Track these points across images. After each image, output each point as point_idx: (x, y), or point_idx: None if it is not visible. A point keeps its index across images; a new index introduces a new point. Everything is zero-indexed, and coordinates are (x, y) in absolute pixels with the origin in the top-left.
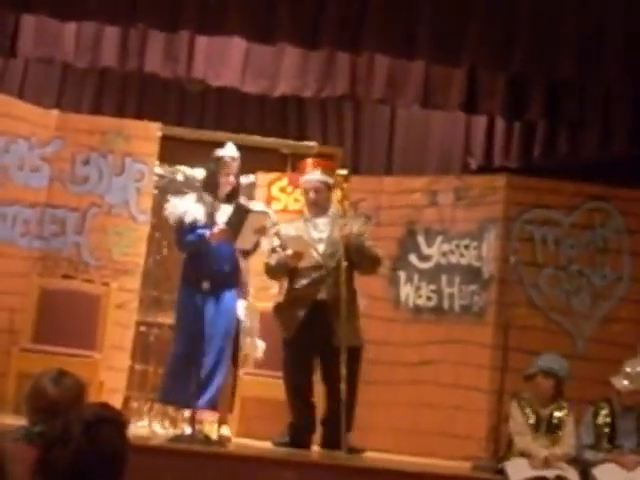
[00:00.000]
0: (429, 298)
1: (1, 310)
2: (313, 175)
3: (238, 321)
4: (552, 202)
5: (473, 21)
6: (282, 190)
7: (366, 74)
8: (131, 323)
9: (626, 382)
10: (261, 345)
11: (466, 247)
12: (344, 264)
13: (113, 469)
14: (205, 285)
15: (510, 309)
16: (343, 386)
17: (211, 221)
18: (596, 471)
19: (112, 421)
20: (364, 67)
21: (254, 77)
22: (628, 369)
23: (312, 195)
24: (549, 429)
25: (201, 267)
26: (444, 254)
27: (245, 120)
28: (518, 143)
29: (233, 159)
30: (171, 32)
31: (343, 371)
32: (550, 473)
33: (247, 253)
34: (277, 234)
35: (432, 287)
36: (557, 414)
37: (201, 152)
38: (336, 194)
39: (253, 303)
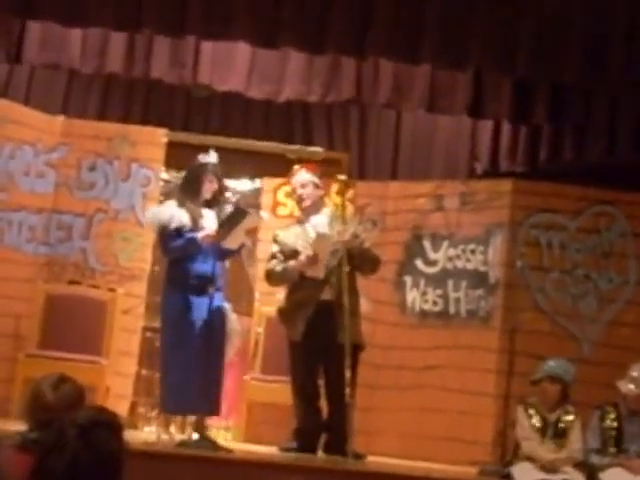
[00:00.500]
0: (435, 303)
1: (7, 316)
2: (298, 174)
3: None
4: (558, 206)
5: (478, 25)
6: (288, 195)
7: (371, 79)
8: (137, 329)
9: (632, 386)
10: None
11: (472, 252)
12: (346, 268)
13: (110, 473)
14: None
15: (516, 313)
16: (348, 390)
17: (195, 226)
18: (603, 475)
19: (108, 425)
20: (369, 72)
21: (259, 82)
22: (634, 373)
23: (300, 190)
24: (556, 434)
25: (190, 270)
26: (450, 259)
27: (250, 125)
28: (524, 147)
29: (216, 166)
30: (177, 38)
31: (348, 374)
32: (557, 477)
33: (231, 253)
34: (276, 240)
35: (438, 292)
36: (564, 418)
37: None
38: (337, 199)
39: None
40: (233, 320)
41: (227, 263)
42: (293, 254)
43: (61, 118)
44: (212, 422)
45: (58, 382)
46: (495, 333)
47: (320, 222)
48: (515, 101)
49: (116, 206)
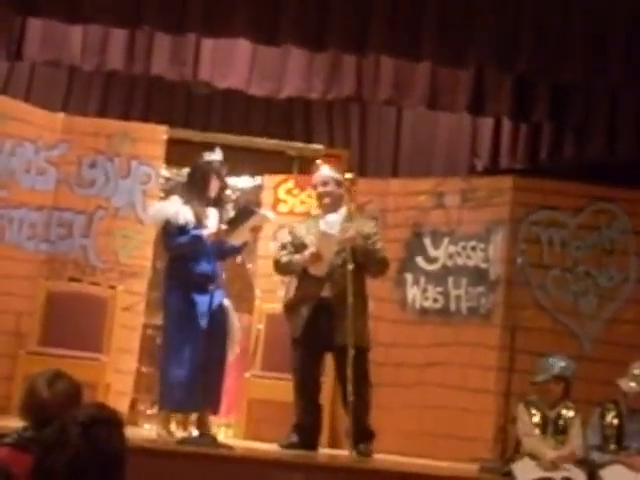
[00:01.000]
0: (436, 300)
1: (8, 313)
2: (321, 171)
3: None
4: (558, 203)
5: (479, 23)
6: (288, 192)
7: (372, 76)
8: (138, 326)
9: (633, 384)
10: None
11: (473, 249)
12: (350, 266)
13: (112, 470)
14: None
15: (517, 311)
16: (350, 387)
17: (199, 224)
18: (603, 472)
19: (109, 421)
20: (370, 69)
21: (260, 79)
22: (635, 371)
23: (321, 188)
24: (556, 430)
25: (191, 266)
26: (451, 256)
27: (251, 122)
28: (524, 145)
29: (222, 164)
30: (177, 35)
31: (349, 372)
32: (557, 475)
33: (234, 251)
34: (290, 231)
35: (439, 289)
36: (564, 415)
37: None
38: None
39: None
40: (234, 318)
41: (226, 261)
42: (302, 247)
43: (62, 115)
44: (212, 419)
45: (53, 378)
46: (496, 330)
47: (334, 220)
48: (516, 98)
49: (116, 203)
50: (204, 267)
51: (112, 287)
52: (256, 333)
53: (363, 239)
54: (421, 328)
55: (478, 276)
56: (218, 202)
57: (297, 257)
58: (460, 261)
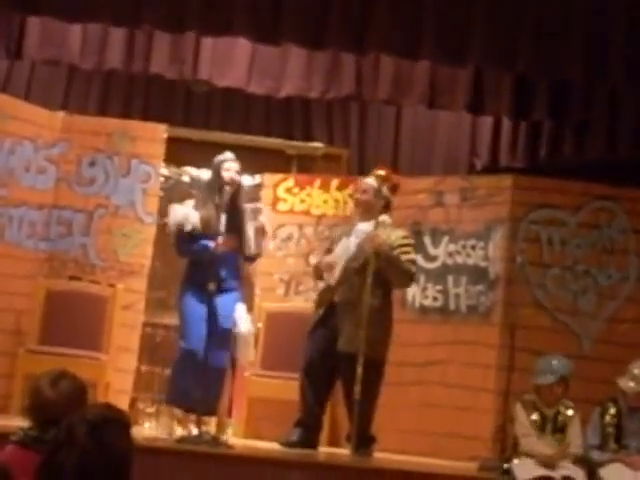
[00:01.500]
0: (435, 298)
1: (7, 311)
2: (365, 179)
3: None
4: (558, 202)
5: (478, 21)
6: (288, 191)
7: (371, 75)
8: (138, 324)
9: (632, 384)
10: (252, 352)
11: (472, 247)
12: (371, 269)
13: (120, 470)
14: (211, 286)
15: (516, 309)
16: (357, 388)
17: (214, 228)
18: (603, 471)
19: (117, 422)
20: (369, 68)
21: (259, 78)
22: (635, 370)
23: (357, 195)
24: (555, 429)
25: (206, 270)
26: (450, 254)
27: (251, 121)
28: (524, 143)
29: (234, 161)
30: (177, 33)
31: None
32: (557, 473)
33: (252, 259)
34: (330, 234)
35: (438, 287)
36: (562, 413)
37: (207, 153)
38: (338, 195)
39: (259, 305)
40: (247, 322)
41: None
42: (329, 252)
43: (61, 114)
44: (213, 419)
45: (57, 378)
46: (495, 329)
47: (364, 229)
48: (515, 97)
49: (116, 202)
50: (219, 271)
51: (112, 286)
52: (255, 332)
53: (389, 247)
54: (421, 327)
55: (478, 275)
56: (232, 207)
57: (319, 261)
58: (460, 260)
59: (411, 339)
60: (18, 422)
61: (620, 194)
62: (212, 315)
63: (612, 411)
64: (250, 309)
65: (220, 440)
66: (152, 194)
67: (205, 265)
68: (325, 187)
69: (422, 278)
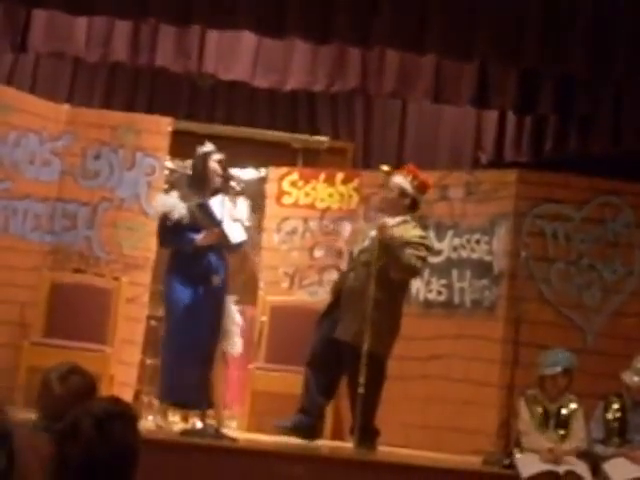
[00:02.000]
0: (440, 293)
1: (12, 304)
2: (393, 177)
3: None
4: (563, 197)
5: (484, 16)
6: (293, 184)
7: (377, 69)
8: (142, 317)
9: (636, 378)
10: (238, 342)
11: (477, 242)
12: (375, 264)
13: (126, 463)
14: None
15: (521, 304)
16: (360, 381)
17: (194, 223)
18: (606, 465)
19: (123, 415)
20: (375, 62)
21: (265, 72)
22: (639, 364)
23: (382, 193)
24: (558, 424)
25: (194, 261)
26: (455, 249)
27: (256, 115)
28: (529, 138)
29: (219, 153)
30: (182, 27)
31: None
32: (560, 468)
33: (235, 248)
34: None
35: (443, 282)
36: (566, 408)
37: None
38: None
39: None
40: (234, 314)
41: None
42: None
43: (66, 106)
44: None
45: (67, 373)
46: (499, 323)
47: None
48: (520, 91)
49: (121, 195)
50: (205, 262)
51: (116, 279)
52: (260, 325)
53: (400, 241)
54: (425, 321)
55: (482, 269)
56: (219, 193)
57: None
58: (464, 254)
59: (415, 333)
60: (23, 414)
61: (625, 189)
62: (200, 307)
63: (616, 405)
64: (254, 302)
65: (224, 433)
66: (157, 187)
67: (191, 256)
68: (330, 181)
69: (426, 272)
